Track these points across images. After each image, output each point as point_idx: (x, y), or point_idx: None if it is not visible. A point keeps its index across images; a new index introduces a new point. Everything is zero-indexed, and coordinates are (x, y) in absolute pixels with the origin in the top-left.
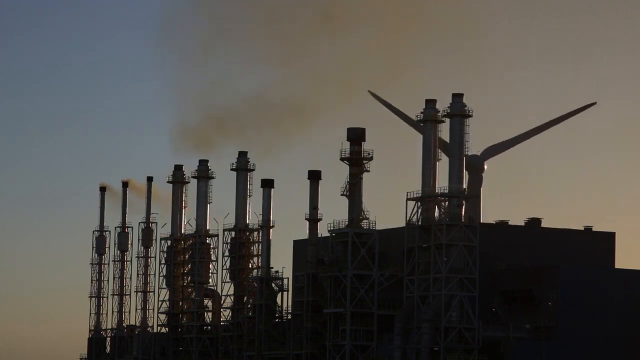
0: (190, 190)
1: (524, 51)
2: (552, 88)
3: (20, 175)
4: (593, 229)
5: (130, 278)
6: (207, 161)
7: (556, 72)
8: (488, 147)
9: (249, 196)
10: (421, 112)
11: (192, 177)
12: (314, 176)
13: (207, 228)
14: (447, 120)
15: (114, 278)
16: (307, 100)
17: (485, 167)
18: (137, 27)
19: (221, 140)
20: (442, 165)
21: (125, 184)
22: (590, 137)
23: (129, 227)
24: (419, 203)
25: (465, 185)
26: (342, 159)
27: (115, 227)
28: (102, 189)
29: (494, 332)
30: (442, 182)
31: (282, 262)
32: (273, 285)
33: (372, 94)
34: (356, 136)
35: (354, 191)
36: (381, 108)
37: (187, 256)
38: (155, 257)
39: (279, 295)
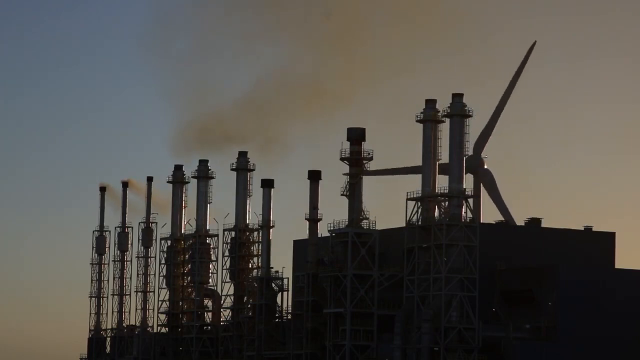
0: (190, 190)
1: (524, 51)
2: (553, 88)
3: (21, 175)
4: (593, 229)
5: (130, 278)
6: (207, 161)
7: (557, 72)
8: (475, 140)
9: (249, 196)
10: (421, 112)
11: (192, 177)
12: (314, 176)
13: (207, 228)
14: (447, 120)
15: (114, 278)
16: (307, 100)
17: (485, 165)
18: (136, 27)
19: (221, 140)
20: (442, 166)
21: (125, 184)
22: (591, 137)
23: (129, 227)
24: (419, 203)
25: (470, 187)
26: (342, 159)
27: (115, 227)
28: (102, 189)
29: (494, 332)
30: (442, 182)
31: (282, 262)
32: (273, 285)
33: (369, 172)
34: (356, 136)
35: (354, 191)
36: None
37: (187, 256)
38: (155, 257)
39: (279, 295)
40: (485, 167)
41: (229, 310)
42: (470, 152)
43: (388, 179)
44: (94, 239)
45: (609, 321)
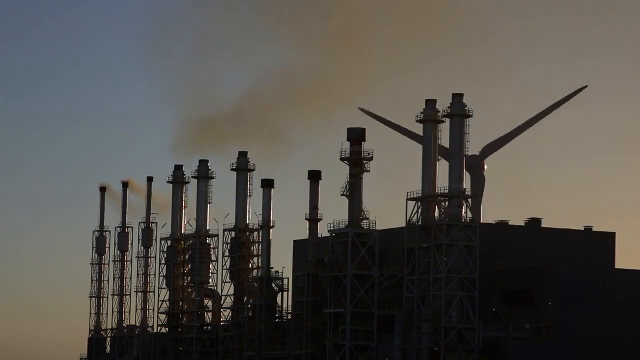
0: (190, 190)
1: (524, 51)
2: (553, 88)
3: (21, 175)
4: (593, 229)
5: (130, 278)
6: (207, 161)
7: (557, 72)
8: (486, 144)
9: (249, 196)
10: (421, 112)
11: (192, 177)
12: (314, 176)
13: (207, 228)
14: (447, 120)
15: (114, 278)
16: (307, 100)
17: (485, 167)
18: (136, 27)
19: (221, 140)
20: (442, 165)
21: (125, 184)
22: (591, 138)
23: (129, 227)
24: (419, 203)
25: (466, 186)
26: (342, 159)
27: (115, 227)
28: (102, 189)
29: (494, 332)
30: (442, 182)
31: (282, 262)
32: (273, 285)
33: (362, 111)
34: (356, 136)
35: (354, 191)
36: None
37: (187, 256)
38: (155, 257)
39: (279, 295)
40: (485, 168)
41: (229, 310)
42: (470, 152)
43: (388, 178)
44: (94, 239)
45: (609, 321)
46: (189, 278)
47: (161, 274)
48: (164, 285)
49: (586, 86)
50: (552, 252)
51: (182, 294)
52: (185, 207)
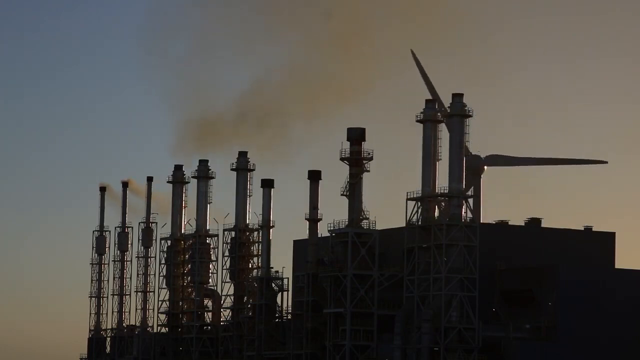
0: (190, 190)
1: (524, 51)
2: (553, 88)
3: (21, 175)
4: (593, 229)
5: (130, 278)
6: (207, 161)
7: (557, 71)
8: (493, 154)
9: (249, 196)
10: (421, 112)
11: (192, 177)
12: (314, 176)
13: (207, 228)
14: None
15: (114, 278)
16: (307, 100)
17: (485, 167)
18: (136, 27)
19: (221, 140)
20: (442, 165)
21: (125, 184)
22: (591, 137)
23: (129, 227)
24: (419, 203)
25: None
26: (342, 159)
27: (115, 227)
28: (102, 189)
29: (494, 332)
30: (442, 182)
31: (282, 262)
32: (273, 285)
33: (413, 55)
34: (356, 136)
35: (354, 191)
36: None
37: (187, 256)
38: (155, 257)
39: (279, 295)
40: (484, 169)
41: (229, 310)
42: (472, 152)
43: (388, 178)
44: (94, 239)
45: (609, 321)
46: (189, 278)
47: (161, 274)
48: (164, 285)
49: (607, 162)
50: (552, 252)
51: (182, 294)
52: (185, 207)
